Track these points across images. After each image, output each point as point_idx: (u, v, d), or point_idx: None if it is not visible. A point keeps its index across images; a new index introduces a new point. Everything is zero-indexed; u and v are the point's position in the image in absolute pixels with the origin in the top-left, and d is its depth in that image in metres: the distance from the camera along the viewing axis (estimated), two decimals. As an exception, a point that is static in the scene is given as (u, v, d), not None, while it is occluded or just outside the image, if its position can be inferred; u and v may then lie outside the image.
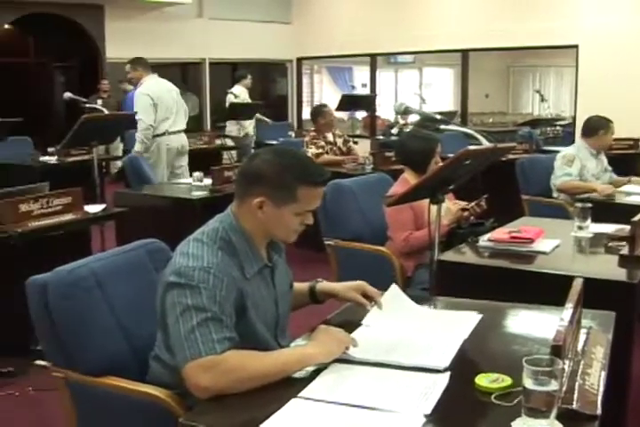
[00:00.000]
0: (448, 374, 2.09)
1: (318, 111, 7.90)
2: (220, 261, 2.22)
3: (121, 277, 2.69)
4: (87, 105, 8.81)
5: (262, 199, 2.29)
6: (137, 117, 7.12)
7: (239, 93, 11.01)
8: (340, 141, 7.84)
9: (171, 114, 7.43)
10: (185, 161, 7.73)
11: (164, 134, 7.40)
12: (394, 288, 2.75)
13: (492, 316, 2.64)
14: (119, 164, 12.22)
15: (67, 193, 4.83)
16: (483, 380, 2.01)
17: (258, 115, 11.67)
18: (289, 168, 2.29)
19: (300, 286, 2.73)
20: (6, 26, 12.71)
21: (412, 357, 2.20)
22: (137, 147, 7.31)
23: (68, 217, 4.75)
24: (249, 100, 11.13)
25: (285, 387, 2.04)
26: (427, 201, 3.42)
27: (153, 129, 7.29)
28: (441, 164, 4.17)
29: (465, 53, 12.79)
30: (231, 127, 11.01)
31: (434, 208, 3.35)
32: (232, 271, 2.24)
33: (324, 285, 2.73)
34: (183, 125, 7.67)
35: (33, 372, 4.31)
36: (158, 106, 7.34)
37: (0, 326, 4.32)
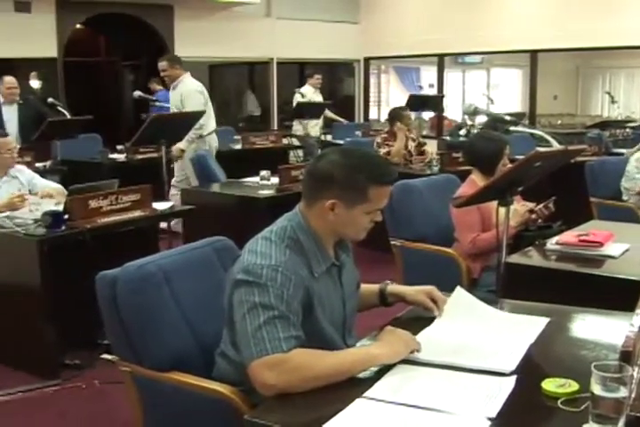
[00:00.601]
0: (514, 377, 2.07)
1: (397, 114, 7.82)
2: (288, 260, 2.23)
3: (188, 274, 2.72)
4: (156, 103, 8.90)
5: (334, 201, 2.29)
6: None
7: (306, 93, 11.01)
8: (412, 145, 7.78)
9: (212, 113, 7.52)
10: None
11: (211, 133, 7.54)
12: (460, 291, 2.73)
13: (560, 320, 2.61)
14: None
15: (136, 190, 4.89)
16: (549, 385, 1.98)
17: (332, 114, 11.64)
18: (359, 169, 2.29)
19: (369, 288, 2.73)
20: (78, 26, 12.91)
21: (478, 359, 2.19)
22: (183, 145, 7.34)
23: (137, 214, 4.80)
24: (318, 100, 11.07)
25: (350, 387, 2.04)
26: (494, 203, 3.39)
27: (202, 128, 7.35)
28: (509, 165, 4.15)
29: (534, 54, 12.63)
30: (297, 126, 11.03)
31: (502, 210, 3.32)
32: (300, 270, 2.24)
33: (393, 287, 2.72)
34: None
35: (99, 365, 4.39)
36: (206, 104, 7.43)
37: (69, 320, 4.39)
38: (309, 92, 11.04)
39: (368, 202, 2.31)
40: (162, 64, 7.53)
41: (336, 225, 2.34)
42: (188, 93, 7.41)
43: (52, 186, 5.34)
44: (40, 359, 4.40)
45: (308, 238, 2.33)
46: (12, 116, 8.37)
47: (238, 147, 10.01)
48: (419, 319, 2.58)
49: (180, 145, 7.31)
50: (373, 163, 2.36)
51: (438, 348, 2.27)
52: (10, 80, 8.42)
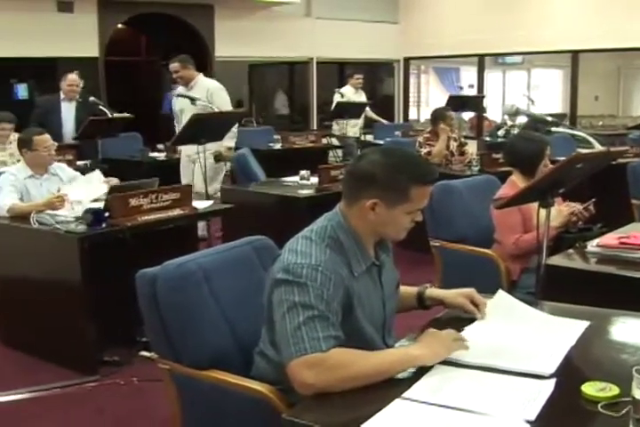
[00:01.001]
0: (554, 380, 2.05)
1: (440, 114, 7.79)
2: (328, 259, 2.23)
3: (228, 273, 2.73)
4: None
5: (375, 201, 2.29)
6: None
7: (346, 93, 10.99)
8: (454, 145, 7.75)
9: None
10: None
11: None
12: (501, 293, 2.71)
13: (600, 323, 2.58)
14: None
15: (176, 189, 4.91)
16: (589, 388, 1.96)
17: (373, 114, 11.59)
18: (400, 169, 2.28)
19: (408, 291, 2.72)
20: (119, 25, 13.02)
21: (518, 361, 2.17)
22: (231, 143, 7.29)
23: (177, 212, 4.82)
24: (359, 100, 11.00)
25: (389, 387, 2.04)
26: (535, 204, 3.37)
27: None
28: (550, 167, 4.12)
29: (575, 54, 12.55)
30: (337, 126, 11.03)
31: (543, 211, 3.29)
32: (340, 269, 2.24)
33: (432, 291, 2.71)
34: None
35: (138, 362, 4.43)
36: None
37: (108, 317, 4.43)
38: (349, 93, 11.02)
39: (409, 202, 2.30)
40: (174, 65, 7.33)
41: (376, 225, 2.34)
42: (215, 90, 7.29)
43: None
44: (79, 356, 4.44)
45: (348, 238, 2.32)
46: (69, 113, 8.46)
47: (278, 146, 10.03)
48: (458, 320, 2.56)
49: (227, 143, 7.18)
50: (415, 163, 2.36)
51: (477, 349, 2.25)
52: (72, 77, 8.51)
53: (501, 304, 2.64)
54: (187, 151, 7.27)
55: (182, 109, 7.29)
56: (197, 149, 6.55)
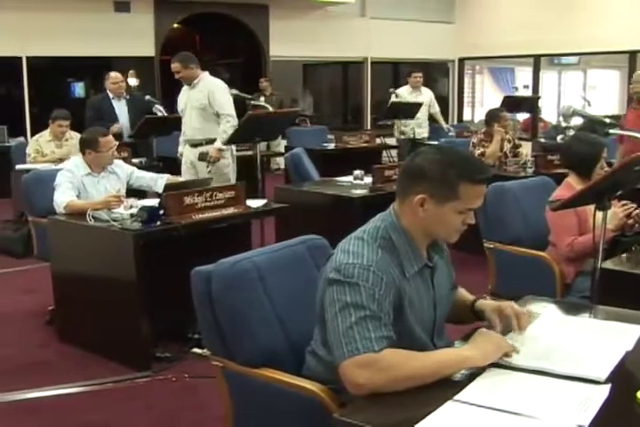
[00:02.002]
0: (608, 386, 2.03)
1: (494, 115, 7.73)
2: (380, 259, 2.22)
3: (282, 272, 2.74)
4: (252, 102, 8.97)
5: (424, 196, 2.27)
6: (227, 113, 6.73)
7: (401, 93, 10.92)
8: (508, 146, 7.69)
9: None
10: None
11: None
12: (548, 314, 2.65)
13: (657, 328, 2.55)
14: (278, 160, 12.46)
15: (230, 187, 4.94)
16: (646, 394, 1.94)
17: (438, 116, 11.39)
18: (451, 165, 2.26)
19: (466, 300, 2.65)
20: (175, 25, 13.15)
21: (572, 366, 2.15)
22: (223, 145, 6.78)
23: (231, 211, 4.85)
24: (417, 100, 10.88)
25: (441, 389, 2.03)
26: (590, 206, 3.33)
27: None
28: (607, 169, 4.07)
29: (632, 55, 12.39)
30: (400, 126, 10.92)
31: (599, 214, 3.26)
32: (391, 270, 2.23)
33: (481, 302, 2.61)
34: None
35: (189, 359, 4.46)
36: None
37: (161, 314, 4.48)
38: (405, 93, 10.89)
39: (458, 199, 2.27)
40: (174, 65, 6.96)
41: (426, 222, 2.32)
42: (216, 89, 6.88)
43: (157, 176, 5.46)
44: (132, 351, 4.49)
45: (400, 238, 2.31)
46: (122, 110, 8.57)
47: (331, 146, 10.04)
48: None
49: (218, 144, 6.73)
50: (467, 160, 2.34)
51: (531, 352, 2.23)
52: (115, 75, 8.63)
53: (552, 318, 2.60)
54: (189, 156, 6.99)
55: (183, 108, 7.03)
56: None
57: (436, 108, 11.18)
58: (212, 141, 6.73)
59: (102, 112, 8.54)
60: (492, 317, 2.46)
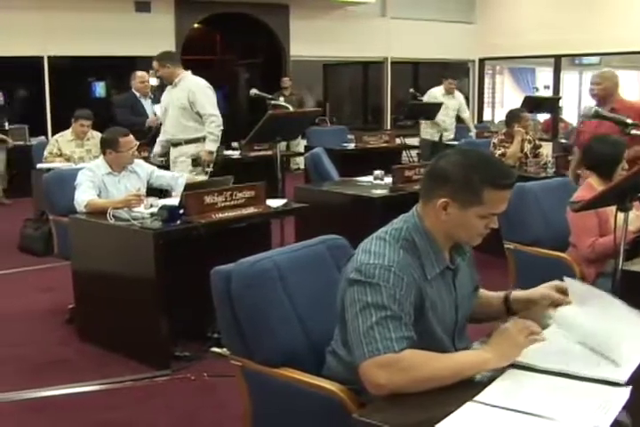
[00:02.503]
0: (629, 388, 2.01)
1: (515, 116, 7.70)
2: (402, 260, 2.21)
3: (302, 272, 2.74)
4: (272, 102, 8.98)
5: (447, 200, 2.26)
6: (209, 113, 6.64)
7: (433, 93, 10.82)
8: (528, 147, 7.66)
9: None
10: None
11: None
12: (569, 281, 2.61)
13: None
14: (298, 160, 12.46)
15: (250, 187, 4.94)
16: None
17: (468, 117, 11.24)
18: (475, 169, 2.24)
19: (493, 297, 2.66)
20: (195, 25, 13.18)
21: (592, 367, 2.14)
22: (212, 147, 6.67)
23: (251, 210, 4.84)
24: (447, 103, 10.83)
25: (461, 389, 2.03)
26: (611, 207, 3.31)
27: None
28: (629, 170, 4.04)
29: (654, 55, 12.35)
30: (425, 128, 10.88)
31: (620, 215, 3.24)
32: (413, 271, 2.22)
33: (516, 293, 2.63)
34: None
35: (208, 358, 4.47)
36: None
37: (180, 313, 4.49)
38: (438, 93, 10.76)
39: (482, 205, 2.25)
40: (153, 64, 6.83)
41: (449, 226, 2.31)
42: (197, 89, 6.72)
43: (177, 175, 5.47)
44: (152, 350, 4.50)
45: (422, 240, 2.31)
46: (149, 110, 8.58)
47: (351, 146, 10.04)
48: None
49: (209, 147, 6.65)
50: (492, 165, 2.30)
51: (551, 353, 2.22)
52: (142, 74, 8.65)
53: (576, 293, 2.55)
54: (172, 153, 6.89)
55: (166, 108, 6.88)
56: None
57: (466, 113, 11.12)
58: (191, 141, 6.69)
59: (134, 110, 8.57)
60: (549, 292, 2.50)
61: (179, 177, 5.44)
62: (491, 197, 2.25)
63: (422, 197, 2.36)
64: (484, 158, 2.34)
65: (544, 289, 2.54)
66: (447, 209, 2.27)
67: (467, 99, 15.15)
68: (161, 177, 5.48)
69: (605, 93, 5.94)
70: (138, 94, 8.71)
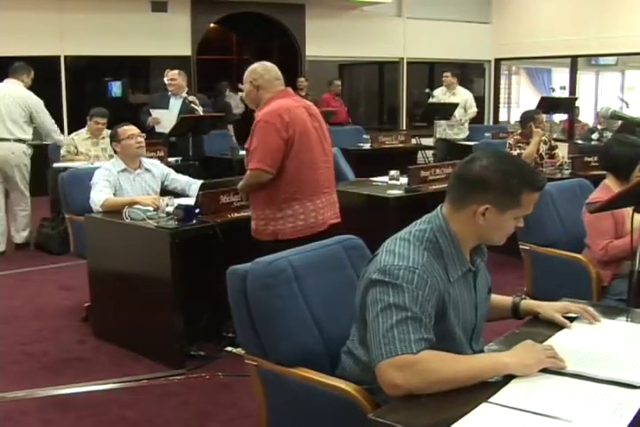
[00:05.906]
0: (647, 390, 2.01)
1: (530, 117, 7.66)
2: (426, 262, 2.22)
3: (317, 272, 2.74)
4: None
5: (487, 206, 2.27)
6: None
7: (436, 94, 10.87)
8: (544, 148, 7.63)
9: None
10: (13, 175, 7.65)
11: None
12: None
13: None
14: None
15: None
16: (684, 399, 1.92)
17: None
18: (514, 174, 2.27)
19: (502, 300, 2.71)
20: (212, 25, 13.20)
21: (608, 370, 2.13)
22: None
23: (266, 210, 4.83)
24: (449, 100, 10.77)
25: (477, 391, 2.02)
26: (628, 209, 3.30)
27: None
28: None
29: (672, 56, 12.29)
30: (439, 128, 10.86)
31: (637, 217, 3.23)
32: (436, 273, 2.23)
33: (528, 302, 2.69)
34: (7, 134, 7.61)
35: (223, 357, 4.49)
36: None
37: (196, 312, 4.50)
38: (440, 93, 10.87)
39: (519, 207, 2.29)
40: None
41: (484, 230, 2.32)
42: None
43: (192, 181, 5.49)
44: (167, 349, 4.50)
45: (447, 242, 2.31)
46: (175, 108, 8.56)
47: (367, 146, 10.03)
48: (549, 325, 2.54)
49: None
50: (526, 169, 2.35)
51: (568, 356, 2.21)
52: (171, 73, 8.62)
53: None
54: None
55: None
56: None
57: (471, 110, 11.02)
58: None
59: (154, 106, 8.57)
60: (556, 316, 2.56)
61: (193, 183, 5.44)
62: (527, 200, 2.30)
63: (453, 203, 2.35)
64: (518, 162, 2.39)
65: (552, 312, 2.59)
66: (486, 214, 2.28)
67: (482, 99, 15.16)
68: (176, 180, 5.50)
69: None
70: (170, 93, 8.67)
